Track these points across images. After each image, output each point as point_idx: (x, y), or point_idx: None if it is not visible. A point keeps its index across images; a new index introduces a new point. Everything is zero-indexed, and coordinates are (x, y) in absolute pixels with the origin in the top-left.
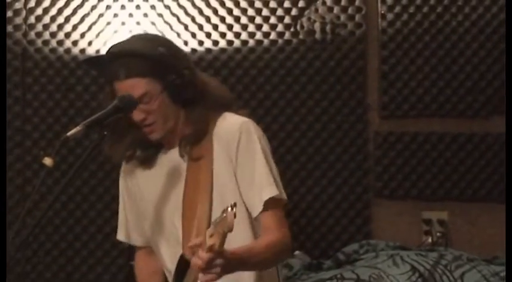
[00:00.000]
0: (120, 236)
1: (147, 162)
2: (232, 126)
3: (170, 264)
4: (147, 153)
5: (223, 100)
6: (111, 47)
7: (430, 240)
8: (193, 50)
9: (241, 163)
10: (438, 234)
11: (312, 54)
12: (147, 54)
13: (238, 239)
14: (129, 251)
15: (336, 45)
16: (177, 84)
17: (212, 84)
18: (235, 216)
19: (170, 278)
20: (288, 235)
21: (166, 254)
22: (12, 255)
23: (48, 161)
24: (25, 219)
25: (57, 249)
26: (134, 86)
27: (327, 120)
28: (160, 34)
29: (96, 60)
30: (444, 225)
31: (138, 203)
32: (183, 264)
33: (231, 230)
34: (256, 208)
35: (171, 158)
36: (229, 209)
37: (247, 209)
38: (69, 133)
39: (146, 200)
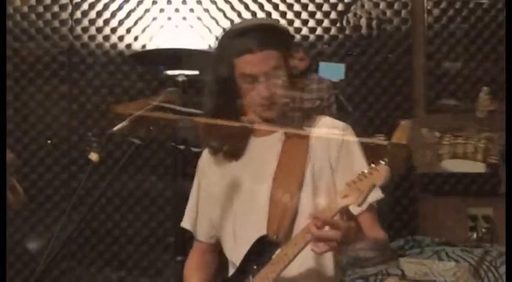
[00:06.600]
0: (186, 224)
1: (236, 154)
2: (335, 126)
3: (242, 246)
4: (237, 146)
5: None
6: (239, 23)
7: (475, 236)
8: None
9: (342, 164)
10: (483, 230)
11: (358, 49)
12: (279, 28)
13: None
14: (175, 246)
15: (382, 41)
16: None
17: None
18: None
19: (236, 259)
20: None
21: (240, 236)
22: (58, 250)
23: (94, 156)
24: (71, 214)
25: (102, 244)
26: (267, 58)
27: (373, 115)
28: (207, 29)
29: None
30: (490, 221)
31: (218, 195)
32: (263, 245)
33: (384, 183)
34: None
35: (264, 145)
36: (382, 162)
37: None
38: (115, 128)
39: (229, 191)
